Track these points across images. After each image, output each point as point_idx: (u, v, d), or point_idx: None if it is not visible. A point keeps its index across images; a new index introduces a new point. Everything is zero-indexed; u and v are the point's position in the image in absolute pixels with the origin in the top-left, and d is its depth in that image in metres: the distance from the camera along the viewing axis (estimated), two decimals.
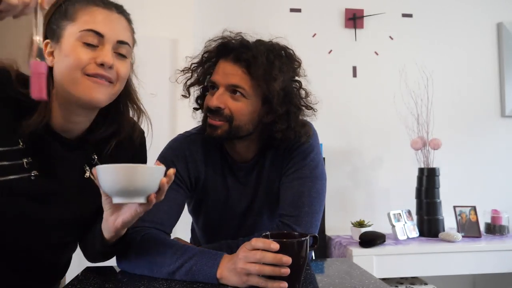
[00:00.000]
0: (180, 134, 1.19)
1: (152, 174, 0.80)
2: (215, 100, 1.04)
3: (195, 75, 1.13)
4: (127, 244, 0.97)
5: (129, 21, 0.94)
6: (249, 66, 1.02)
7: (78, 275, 1.01)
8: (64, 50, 0.85)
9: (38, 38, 0.75)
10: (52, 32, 0.87)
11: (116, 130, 1.00)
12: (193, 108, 1.19)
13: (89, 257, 1.05)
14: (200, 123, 1.16)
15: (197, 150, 1.14)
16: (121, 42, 0.89)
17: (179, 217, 1.12)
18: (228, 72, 1.04)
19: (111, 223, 0.87)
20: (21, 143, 0.88)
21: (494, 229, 2.44)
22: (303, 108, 1.11)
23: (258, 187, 1.16)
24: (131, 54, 0.95)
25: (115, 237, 0.91)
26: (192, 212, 1.25)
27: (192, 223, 1.35)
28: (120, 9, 0.92)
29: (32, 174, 0.88)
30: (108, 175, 0.78)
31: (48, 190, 0.92)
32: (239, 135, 1.07)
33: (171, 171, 0.83)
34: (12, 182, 0.86)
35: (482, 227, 2.47)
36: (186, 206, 1.20)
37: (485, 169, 2.76)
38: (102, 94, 0.88)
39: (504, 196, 2.73)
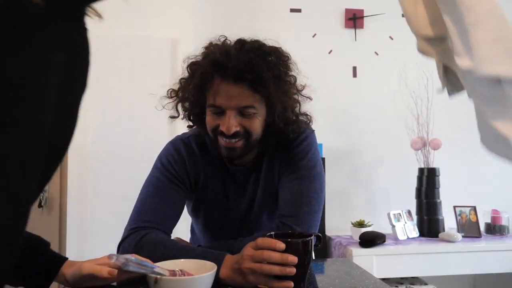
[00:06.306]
0: (177, 136, 1.19)
1: (209, 281, 0.82)
2: (231, 126, 1.00)
3: (188, 96, 1.09)
4: (128, 244, 0.97)
5: None
6: (254, 83, 1.00)
7: None
8: None
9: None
10: None
11: None
12: (188, 126, 1.16)
13: None
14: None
15: (195, 152, 1.14)
16: None
17: (179, 217, 1.12)
18: (234, 95, 1.00)
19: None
20: None
21: (494, 229, 2.44)
22: (300, 100, 1.11)
23: (257, 189, 1.16)
24: None
25: None
26: (191, 213, 1.25)
27: (192, 223, 1.35)
28: None
29: None
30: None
31: None
32: (254, 145, 1.08)
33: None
34: None
35: (482, 227, 2.46)
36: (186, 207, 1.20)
37: (485, 169, 2.75)
38: None
39: (504, 196, 2.72)
